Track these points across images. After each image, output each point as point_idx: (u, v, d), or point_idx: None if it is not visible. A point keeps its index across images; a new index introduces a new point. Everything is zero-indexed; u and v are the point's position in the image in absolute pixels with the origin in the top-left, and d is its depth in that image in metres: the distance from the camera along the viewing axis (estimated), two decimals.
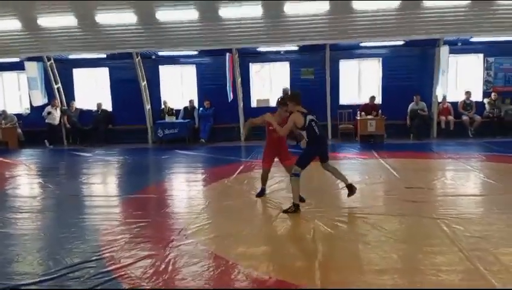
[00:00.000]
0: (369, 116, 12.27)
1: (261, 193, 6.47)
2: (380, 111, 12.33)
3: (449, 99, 12.83)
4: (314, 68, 13.40)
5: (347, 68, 13.65)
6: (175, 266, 4.02)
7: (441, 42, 12.17)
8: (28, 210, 6.28)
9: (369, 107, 12.55)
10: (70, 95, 14.42)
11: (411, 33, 12.08)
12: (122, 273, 3.90)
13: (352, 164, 9.33)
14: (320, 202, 6.08)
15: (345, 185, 6.00)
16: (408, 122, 12.60)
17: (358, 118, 12.38)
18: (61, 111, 13.90)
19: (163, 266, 4.03)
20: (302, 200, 5.88)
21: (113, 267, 4.04)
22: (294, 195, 5.58)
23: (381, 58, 13.36)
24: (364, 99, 13.01)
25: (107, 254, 4.38)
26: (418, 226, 5.03)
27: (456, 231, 4.72)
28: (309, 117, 5.62)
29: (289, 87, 12.86)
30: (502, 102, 12.63)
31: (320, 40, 12.39)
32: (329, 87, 12.90)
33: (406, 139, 12.43)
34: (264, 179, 6.48)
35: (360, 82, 13.80)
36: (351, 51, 13.35)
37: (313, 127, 5.62)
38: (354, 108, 13.05)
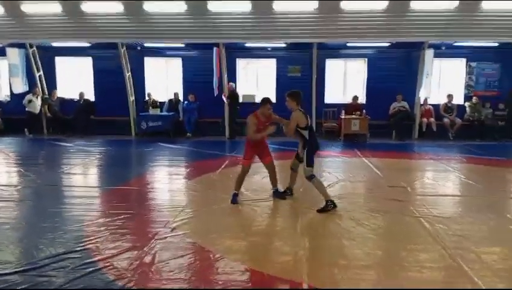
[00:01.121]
0: (353, 116, 12.40)
1: (235, 199, 5.91)
2: (364, 111, 12.47)
3: (431, 101, 13.08)
4: (301, 66, 13.46)
5: (333, 67, 13.74)
6: (161, 258, 4.00)
7: (425, 45, 12.35)
8: (8, 199, 6.16)
9: (353, 107, 12.68)
10: (52, 83, 14.13)
11: (397, 35, 12.21)
12: (108, 264, 3.86)
13: (336, 162, 9.42)
14: (305, 199, 6.12)
15: (287, 187, 6.23)
16: (390, 120, 12.78)
17: (343, 117, 12.50)
18: (42, 99, 13.60)
19: (149, 258, 4.01)
20: (289, 193, 6.10)
21: (98, 258, 4.00)
22: (323, 192, 5.59)
23: (366, 59, 13.50)
24: (349, 99, 13.13)
25: (91, 245, 4.33)
26: (402, 224, 5.11)
27: (438, 229, 4.83)
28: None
29: (233, 84, 13.12)
30: (482, 106, 12.92)
31: (307, 39, 12.42)
32: (315, 85, 12.96)
33: (389, 139, 12.61)
34: (241, 181, 6.01)
35: (345, 82, 13.92)
36: (338, 51, 13.46)
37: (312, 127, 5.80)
38: (338, 107, 13.15)
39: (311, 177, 5.58)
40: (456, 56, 13.33)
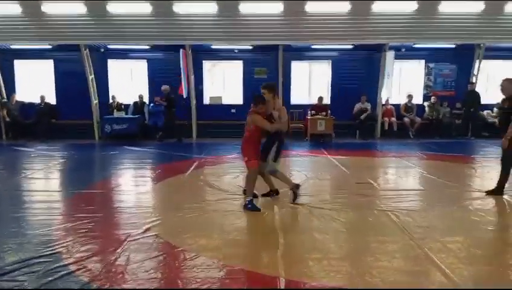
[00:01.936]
0: (319, 116, 12.65)
1: (253, 205, 5.56)
2: (329, 111, 12.75)
3: (392, 101, 13.55)
4: (267, 68, 13.60)
5: (298, 69, 13.97)
6: (136, 259, 3.94)
7: (386, 47, 12.80)
8: None
9: (319, 108, 12.94)
10: (11, 87, 13.59)
11: (360, 38, 12.63)
12: (80, 267, 3.77)
13: (304, 161, 9.59)
14: (276, 196, 6.19)
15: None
16: (354, 120, 13.12)
17: (309, 117, 12.72)
18: (1, 104, 13.06)
19: (123, 259, 3.94)
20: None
21: (70, 261, 3.90)
22: (287, 181, 5.96)
23: (330, 61, 13.82)
24: (314, 100, 13.38)
25: (61, 249, 4.20)
26: (371, 217, 5.27)
27: (405, 221, 5.02)
28: None
29: (168, 87, 12.83)
30: (440, 105, 13.51)
31: (273, 41, 12.60)
32: (281, 87, 13.13)
33: (353, 138, 12.96)
34: (254, 183, 5.69)
35: (310, 83, 14.17)
36: (303, 53, 13.72)
37: None
38: (304, 108, 13.39)
39: (275, 172, 5.78)
40: (416, 58, 13.89)
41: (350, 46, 13.31)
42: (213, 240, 4.50)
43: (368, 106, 13.20)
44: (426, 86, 13.97)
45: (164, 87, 12.63)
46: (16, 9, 11.59)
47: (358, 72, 13.62)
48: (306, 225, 5.01)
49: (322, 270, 3.73)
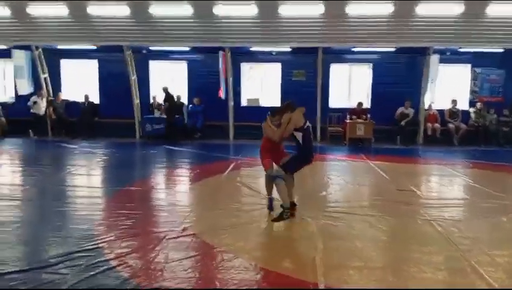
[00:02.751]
0: (358, 120, 12.40)
1: (271, 204, 5.54)
2: (368, 115, 12.48)
3: (436, 107, 13.08)
4: (306, 70, 13.47)
5: (338, 72, 13.75)
6: (174, 257, 3.97)
7: (430, 51, 12.38)
8: (16, 198, 6.13)
9: (358, 111, 12.69)
10: (57, 85, 14.13)
11: (402, 40, 12.27)
12: (121, 262, 3.84)
13: (342, 165, 9.41)
14: (315, 201, 6.12)
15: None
16: (397, 125, 12.77)
17: (348, 121, 12.50)
18: (47, 101, 13.60)
19: (162, 257, 3.98)
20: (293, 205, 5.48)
21: (111, 256, 3.98)
22: (284, 198, 5.16)
23: (371, 64, 13.52)
24: (354, 103, 13.12)
25: (103, 244, 4.31)
26: (413, 226, 5.09)
27: (450, 232, 4.81)
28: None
29: (167, 87, 12.87)
30: (486, 112, 12.92)
31: (313, 43, 12.46)
32: (320, 89, 12.98)
33: (393, 144, 12.60)
34: (271, 186, 5.52)
35: (350, 86, 13.93)
36: (343, 55, 13.48)
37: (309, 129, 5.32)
38: (343, 111, 13.15)
39: (275, 178, 5.22)
40: (461, 62, 13.34)
41: (392, 49, 12.97)
42: (250, 242, 4.47)
43: (411, 111, 12.79)
44: (472, 92, 13.39)
45: (164, 86, 12.88)
46: (63, 11, 12.04)
47: (400, 75, 13.22)
48: (345, 232, 4.88)
49: (363, 279, 3.62)
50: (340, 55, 13.45)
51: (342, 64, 13.70)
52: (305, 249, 4.26)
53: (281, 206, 5.18)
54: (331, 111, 13.31)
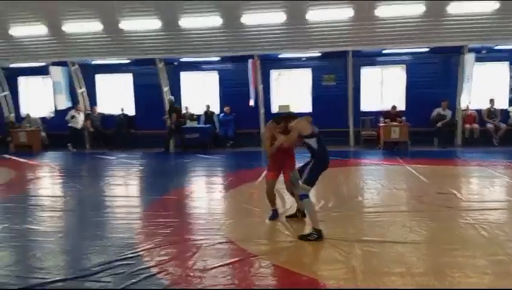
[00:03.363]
0: (393, 123, 12.15)
1: (275, 216, 5.48)
2: (403, 118, 12.21)
3: (473, 107, 12.66)
4: (336, 74, 13.37)
5: (369, 75, 13.57)
6: (213, 264, 3.98)
7: (465, 49, 12.03)
8: (58, 209, 6.34)
9: (392, 114, 12.44)
10: (93, 99, 14.62)
11: (435, 40, 11.99)
12: (161, 270, 3.88)
13: (378, 169, 9.21)
14: (351, 206, 6.01)
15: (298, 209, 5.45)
16: (433, 127, 12.42)
17: (382, 124, 12.27)
18: (85, 115, 14.07)
19: (201, 264, 4.00)
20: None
21: (151, 264, 4.03)
22: (314, 219, 4.76)
23: (404, 65, 13.26)
24: (387, 106, 12.89)
25: (142, 252, 4.37)
26: (456, 230, 4.91)
27: (495, 235, 4.62)
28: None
29: (172, 98, 13.37)
30: None
31: (343, 47, 12.36)
32: (351, 93, 12.82)
33: (430, 146, 12.27)
34: (272, 197, 5.50)
35: (382, 89, 13.70)
36: (374, 58, 13.30)
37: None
38: (376, 114, 12.94)
39: (303, 197, 4.79)
40: (498, 60, 12.90)
41: (426, 49, 12.67)
42: (287, 249, 4.44)
43: (449, 112, 12.42)
44: (511, 90, 12.90)
45: (168, 98, 13.27)
46: (97, 26, 12.46)
47: (435, 76, 12.90)
48: (383, 236, 4.75)
49: (406, 285, 3.51)
50: (371, 58, 13.29)
51: (373, 67, 13.52)
52: (343, 255, 4.16)
53: (313, 228, 4.70)
54: (363, 115, 13.12)
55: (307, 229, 4.88)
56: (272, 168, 5.45)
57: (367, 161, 10.05)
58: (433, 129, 12.44)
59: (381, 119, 12.48)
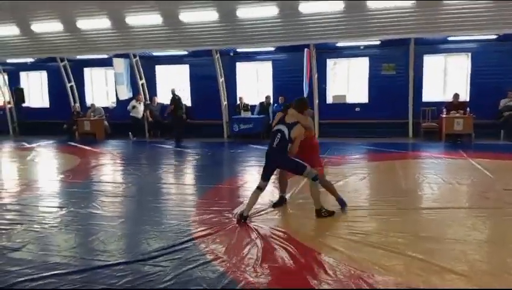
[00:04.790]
0: (456, 114, 11.53)
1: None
2: (468, 109, 11.54)
3: None
4: (396, 63, 12.88)
5: (432, 63, 12.94)
6: (267, 254, 3.99)
7: None
8: (120, 195, 6.64)
9: (455, 105, 11.79)
10: (152, 90, 15.15)
11: (505, 27, 11.17)
12: (216, 257, 3.96)
13: (439, 163, 8.78)
14: (410, 201, 5.80)
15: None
16: (500, 118, 11.65)
17: (444, 116, 11.68)
18: (145, 105, 14.61)
19: (253, 252, 4.04)
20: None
21: (207, 250, 4.13)
22: (319, 199, 5.18)
23: (470, 54, 12.51)
24: (450, 97, 12.23)
25: (199, 238, 4.47)
26: None
27: None
28: None
29: (175, 88, 13.38)
30: None
31: (404, 34, 11.83)
32: (412, 83, 12.30)
33: (496, 139, 11.53)
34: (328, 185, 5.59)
35: (445, 78, 13.02)
36: (437, 46, 12.65)
37: None
38: (438, 105, 12.33)
39: (316, 178, 5.09)
40: None
41: (493, 36, 11.85)
42: (342, 242, 4.34)
43: None
44: None
45: (172, 89, 13.23)
46: (157, 19, 12.83)
47: (502, 65, 12.05)
48: (444, 233, 4.53)
49: (468, 285, 3.33)
50: (434, 46, 12.65)
51: (437, 55, 12.87)
52: (400, 252, 4.01)
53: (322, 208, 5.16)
54: (424, 105, 12.57)
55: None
56: (312, 163, 5.26)
57: (427, 154, 9.62)
58: (500, 121, 11.65)
59: (444, 110, 11.87)
